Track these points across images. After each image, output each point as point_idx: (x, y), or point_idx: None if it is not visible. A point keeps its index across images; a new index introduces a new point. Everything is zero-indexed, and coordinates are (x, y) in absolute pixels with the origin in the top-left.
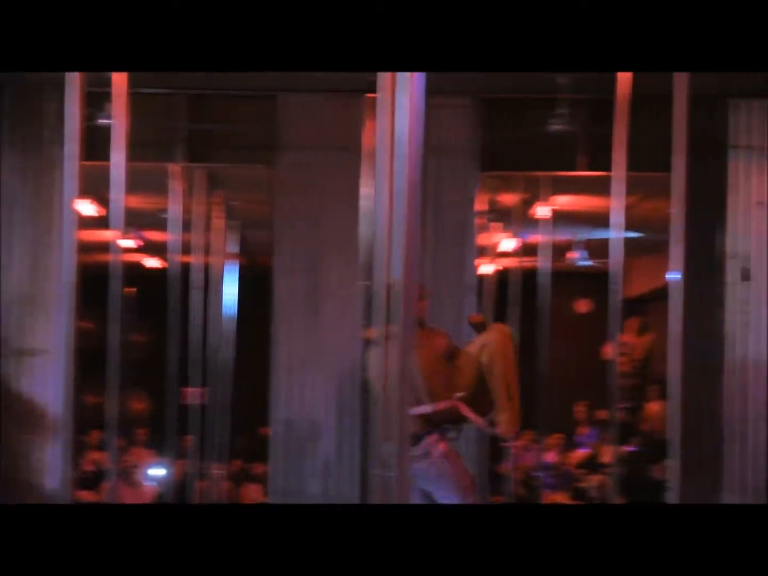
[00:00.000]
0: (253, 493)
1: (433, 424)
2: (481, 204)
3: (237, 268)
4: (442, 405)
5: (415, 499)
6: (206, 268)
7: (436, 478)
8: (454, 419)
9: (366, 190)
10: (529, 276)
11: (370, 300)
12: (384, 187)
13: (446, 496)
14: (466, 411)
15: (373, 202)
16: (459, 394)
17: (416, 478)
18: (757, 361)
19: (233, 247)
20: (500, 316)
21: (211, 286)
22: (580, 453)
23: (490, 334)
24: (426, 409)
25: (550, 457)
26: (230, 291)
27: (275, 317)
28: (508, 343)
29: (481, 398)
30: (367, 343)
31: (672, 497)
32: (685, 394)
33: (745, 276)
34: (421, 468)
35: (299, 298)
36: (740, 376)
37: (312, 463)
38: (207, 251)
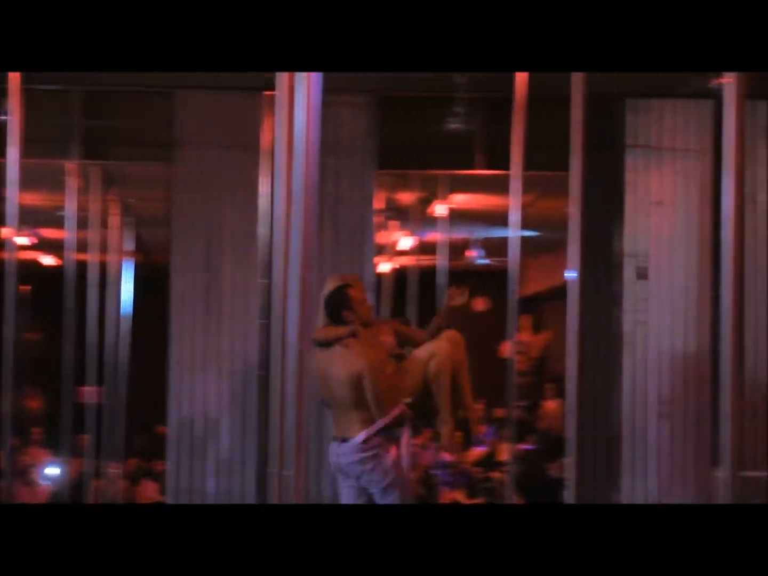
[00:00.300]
0: (150, 492)
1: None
2: (379, 202)
3: (134, 265)
4: (390, 416)
5: (351, 497)
6: (103, 265)
7: (379, 480)
8: (401, 423)
9: (264, 188)
10: (427, 274)
11: (267, 298)
12: (282, 185)
13: (385, 498)
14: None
15: (271, 200)
16: (405, 400)
17: (359, 478)
18: (654, 359)
19: (130, 245)
20: (398, 314)
21: (108, 284)
22: (478, 451)
23: (440, 342)
24: (378, 425)
25: (448, 455)
26: (127, 289)
27: (172, 315)
28: (459, 352)
29: (428, 404)
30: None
31: (569, 495)
32: (581, 392)
33: (642, 275)
34: (366, 469)
35: (196, 296)
36: (637, 375)
37: (209, 461)
38: (103, 249)
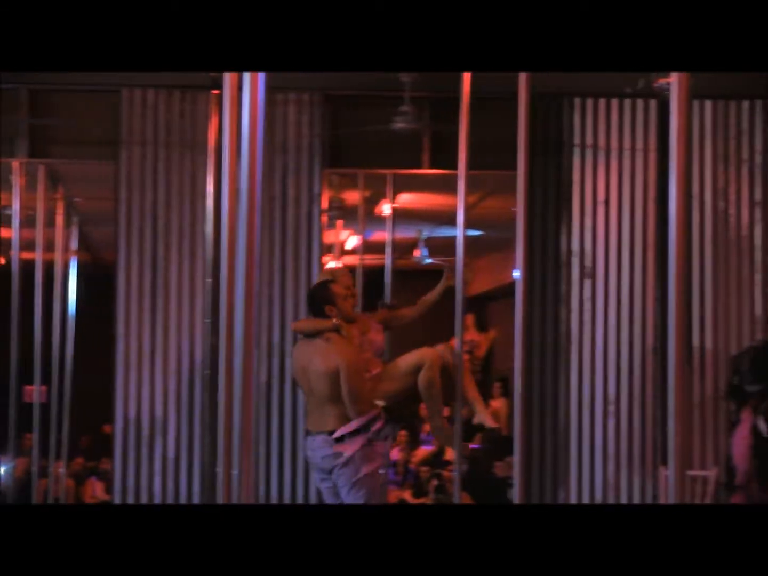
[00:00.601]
0: (96, 491)
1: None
2: (326, 201)
3: (80, 264)
4: (365, 418)
5: (330, 497)
6: (48, 264)
7: (349, 476)
8: (375, 424)
9: (211, 187)
10: (374, 273)
11: (214, 297)
12: (228, 184)
13: (351, 495)
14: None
15: (217, 199)
16: (380, 403)
17: (331, 472)
18: (600, 358)
19: (76, 244)
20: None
21: (54, 282)
22: (424, 450)
23: (426, 351)
24: (353, 425)
25: (395, 454)
26: (73, 288)
27: (118, 314)
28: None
29: (406, 410)
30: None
31: (515, 494)
32: (528, 391)
33: (588, 274)
34: (337, 464)
35: (143, 294)
36: (584, 374)
37: (156, 461)
38: (49, 248)
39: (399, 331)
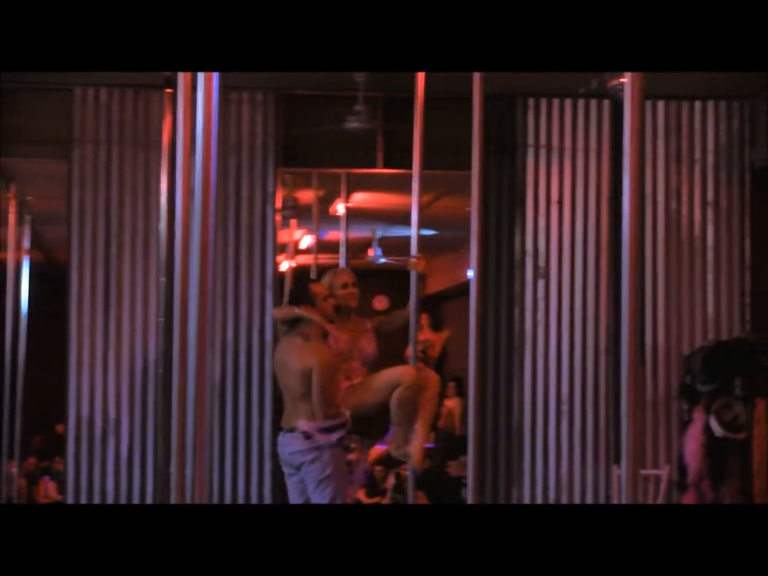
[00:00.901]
0: (49, 491)
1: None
2: (280, 200)
3: (32, 263)
4: (333, 421)
5: (295, 494)
6: (0, 263)
7: (316, 473)
8: (343, 429)
9: (164, 185)
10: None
11: (168, 296)
12: (182, 183)
13: (318, 493)
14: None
15: (171, 198)
16: (347, 413)
17: (299, 468)
18: (554, 358)
19: (28, 243)
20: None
21: (6, 282)
22: (378, 449)
23: (406, 370)
24: (320, 424)
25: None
26: (25, 287)
27: (71, 313)
28: (429, 391)
29: (375, 422)
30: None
31: (468, 493)
32: (482, 390)
33: (542, 274)
34: (306, 460)
35: (96, 294)
36: (537, 374)
37: (109, 460)
38: (1, 247)
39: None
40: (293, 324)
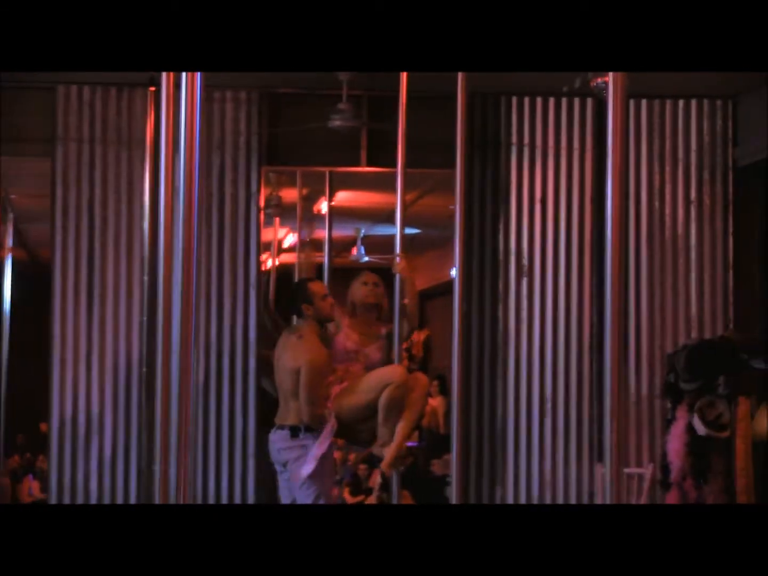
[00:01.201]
0: (33, 490)
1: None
2: (264, 199)
3: (15, 262)
4: (320, 421)
5: (285, 492)
6: None
7: (300, 474)
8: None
9: (148, 184)
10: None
11: (151, 295)
12: (165, 181)
13: (302, 491)
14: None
15: (154, 197)
16: (329, 414)
17: (286, 465)
18: (536, 357)
19: (11, 241)
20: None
21: None
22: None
23: (396, 370)
24: (305, 420)
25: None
26: (8, 285)
27: (54, 311)
28: (417, 393)
29: (362, 432)
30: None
31: (452, 492)
32: (465, 389)
33: (525, 273)
34: (292, 457)
35: (79, 292)
36: (520, 372)
37: (92, 459)
38: None
39: None
40: (294, 322)
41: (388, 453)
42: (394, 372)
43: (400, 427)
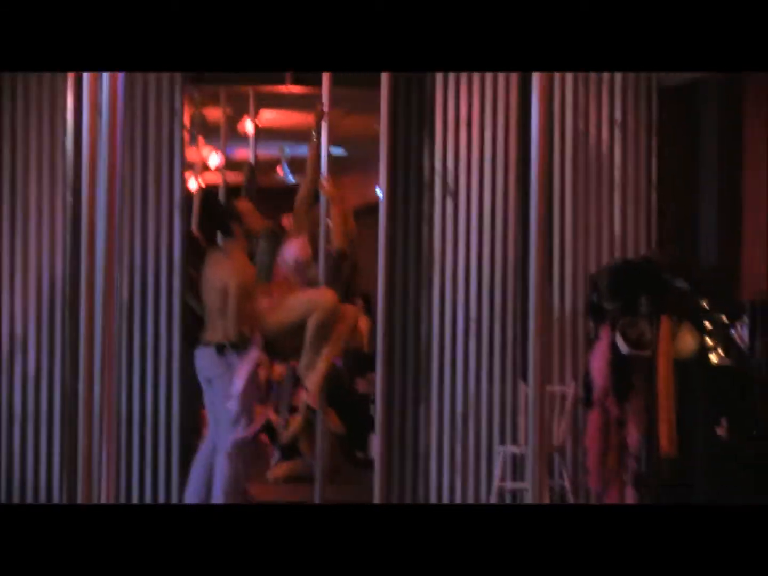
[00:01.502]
0: None
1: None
2: (188, 118)
3: None
4: (241, 338)
5: (207, 404)
6: None
7: (224, 391)
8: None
9: (71, 102)
10: (236, 191)
11: (74, 214)
12: (88, 99)
13: (228, 412)
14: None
15: (77, 115)
16: (258, 332)
17: (211, 382)
18: (462, 277)
19: None
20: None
21: None
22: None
23: (324, 295)
24: (224, 335)
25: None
26: None
27: None
28: (345, 322)
29: (286, 342)
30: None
31: (376, 410)
32: (391, 310)
33: (450, 193)
34: (218, 373)
35: (1, 212)
36: (446, 293)
37: (16, 378)
38: None
39: None
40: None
41: (312, 388)
42: (324, 296)
43: (323, 358)
